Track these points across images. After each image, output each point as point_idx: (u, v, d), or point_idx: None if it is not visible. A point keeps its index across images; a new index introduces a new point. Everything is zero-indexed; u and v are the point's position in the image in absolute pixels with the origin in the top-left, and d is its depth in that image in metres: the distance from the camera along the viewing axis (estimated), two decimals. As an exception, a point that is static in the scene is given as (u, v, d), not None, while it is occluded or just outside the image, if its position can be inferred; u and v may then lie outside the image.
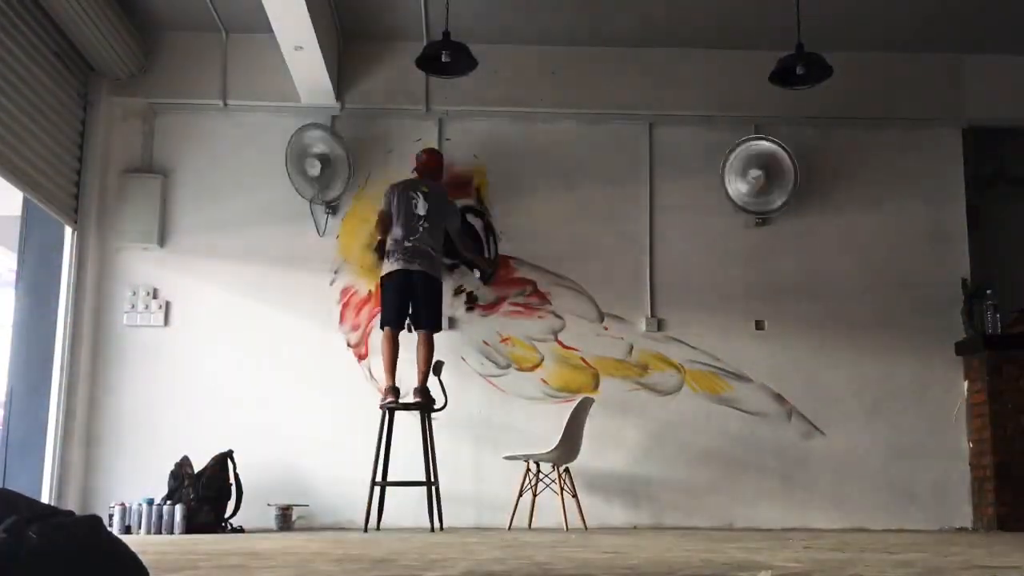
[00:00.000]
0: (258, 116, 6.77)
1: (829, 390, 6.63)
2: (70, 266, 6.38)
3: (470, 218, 6.75)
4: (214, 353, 6.50)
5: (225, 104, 6.67)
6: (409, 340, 5.95)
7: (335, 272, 6.65)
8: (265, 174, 6.67)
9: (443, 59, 5.59)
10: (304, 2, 5.38)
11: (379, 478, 5.77)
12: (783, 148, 6.67)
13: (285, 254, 6.63)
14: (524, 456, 5.98)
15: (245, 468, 5.97)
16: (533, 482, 5.99)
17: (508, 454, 6.04)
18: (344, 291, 6.63)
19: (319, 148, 6.59)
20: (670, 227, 6.79)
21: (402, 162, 6.67)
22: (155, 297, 6.56)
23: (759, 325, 6.70)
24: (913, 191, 6.87)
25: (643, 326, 6.67)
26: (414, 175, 6.34)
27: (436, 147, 6.56)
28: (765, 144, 6.72)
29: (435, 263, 5.99)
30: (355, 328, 6.58)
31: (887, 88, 6.88)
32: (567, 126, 6.88)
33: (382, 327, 5.99)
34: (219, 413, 6.36)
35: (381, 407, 5.85)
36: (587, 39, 6.72)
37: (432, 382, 5.90)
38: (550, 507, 5.94)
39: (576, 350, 6.62)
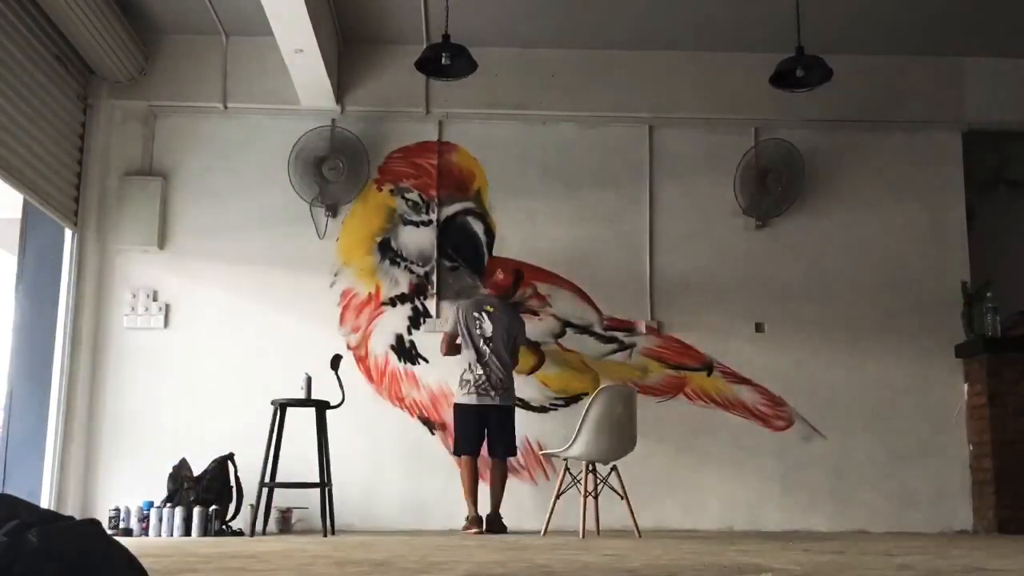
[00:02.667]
0: (258, 119, 6.77)
1: (829, 392, 6.64)
2: (70, 268, 6.39)
3: (470, 221, 6.76)
4: (214, 355, 6.50)
5: (225, 107, 6.67)
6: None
7: (335, 274, 6.65)
8: (265, 177, 6.67)
9: (443, 61, 5.59)
10: (304, 5, 5.38)
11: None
12: (794, 148, 6.71)
13: (285, 256, 6.63)
14: (558, 453, 5.66)
15: (245, 470, 5.96)
16: (559, 483, 5.63)
17: (545, 452, 6.13)
18: (344, 293, 6.63)
19: (332, 151, 6.61)
20: (670, 229, 6.79)
21: (402, 163, 6.67)
22: (155, 299, 6.56)
23: (759, 327, 6.70)
24: (913, 194, 6.88)
25: (643, 328, 6.67)
26: (486, 292, 6.43)
27: (518, 268, 6.56)
28: (777, 146, 6.74)
29: (508, 389, 6.01)
30: (355, 330, 6.58)
31: (887, 91, 6.88)
32: (567, 128, 6.89)
33: (457, 454, 6.06)
34: (219, 415, 6.36)
35: (463, 533, 5.82)
36: (587, 42, 6.72)
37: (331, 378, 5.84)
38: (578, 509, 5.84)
39: (576, 352, 6.62)
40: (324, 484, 5.66)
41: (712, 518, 6.43)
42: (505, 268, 6.46)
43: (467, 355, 6.01)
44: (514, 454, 6.08)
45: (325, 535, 5.49)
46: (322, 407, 5.78)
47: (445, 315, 6.57)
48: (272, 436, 5.63)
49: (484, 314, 6.05)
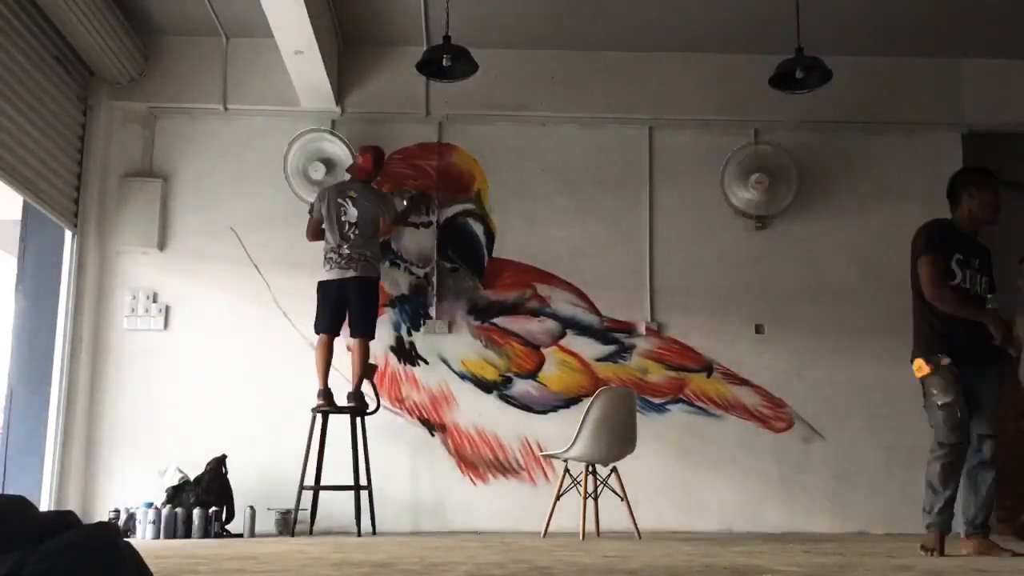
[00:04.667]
0: (258, 120, 6.77)
1: (829, 394, 6.63)
2: (70, 270, 6.38)
3: (470, 222, 6.76)
4: (214, 356, 6.50)
5: (225, 108, 6.67)
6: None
7: (335, 276, 6.64)
8: (265, 178, 6.67)
9: (443, 63, 5.60)
10: (304, 6, 5.38)
11: (312, 481, 5.89)
12: (784, 151, 6.69)
13: (285, 257, 6.63)
14: (558, 454, 5.64)
15: (244, 471, 5.97)
16: (559, 484, 5.64)
17: (544, 453, 6.11)
18: (344, 295, 6.62)
19: (326, 152, 6.61)
20: (670, 231, 6.80)
21: (403, 164, 6.67)
22: (155, 301, 6.56)
23: (759, 329, 6.70)
24: (912, 195, 6.86)
25: (643, 329, 6.67)
26: (348, 177, 6.37)
27: (376, 146, 6.42)
28: (765, 148, 6.74)
29: (371, 265, 6.05)
30: (355, 332, 6.58)
31: (887, 92, 6.88)
32: (567, 130, 6.89)
33: (317, 332, 6.07)
34: (219, 416, 6.36)
35: (313, 411, 5.93)
36: (587, 43, 6.73)
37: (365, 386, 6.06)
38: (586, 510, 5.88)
39: (576, 354, 6.63)
40: (361, 487, 5.85)
41: (712, 519, 6.43)
42: (364, 151, 6.31)
43: (331, 238, 6.02)
44: (371, 336, 6.04)
45: (359, 535, 5.69)
46: (357, 413, 5.99)
47: (444, 317, 6.58)
48: (310, 441, 5.88)
49: (348, 200, 6.06)
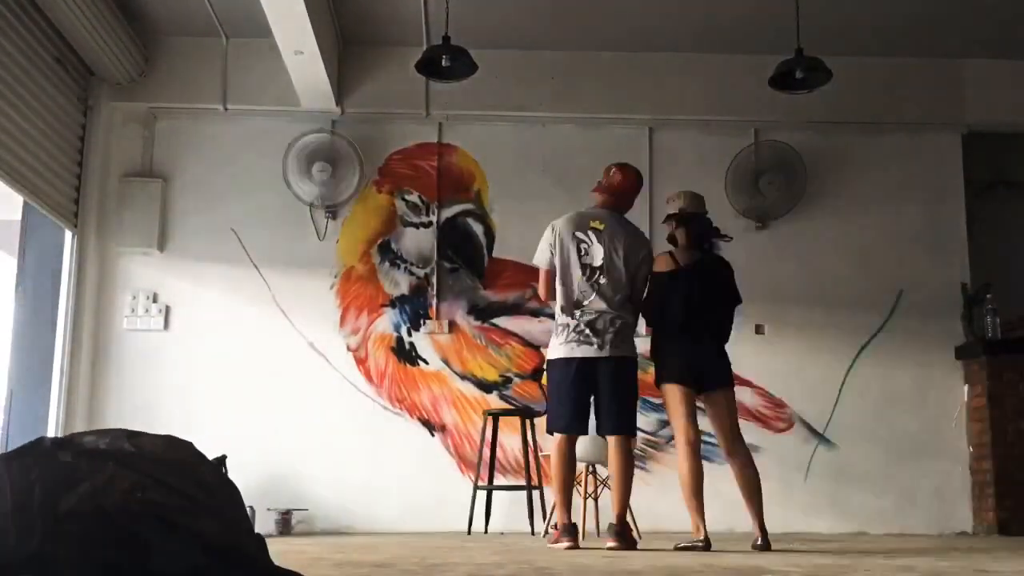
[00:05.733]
0: (258, 121, 6.77)
1: (829, 394, 6.63)
2: (70, 270, 6.38)
3: (470, 222, 6.76)
4: (214, 357, 6.50)
5: (225, 108, 6.67)
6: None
7: (335, 276, 6.65)
8: (265, 178, 6.67)
9: (443, 63, 5.60)
10: (304, 6, 5.38)
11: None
12: (794, 151, 6.73)
13: (285, 258, 6.63)
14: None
15: (244, 471, 5.94)
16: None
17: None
18: (344, 295, 6.63)
19: (325, 152, 6.61)
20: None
21: (403, 165, 6.68)
22: (155, 301, 6.56)
23: (759, 329, 6.70)
24: (913, 196, 6.88)
25: (643, 330, 6.65)
26: (594, 197, 4.71)
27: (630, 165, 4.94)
28: (778, 146, 6.75)
29: (624, 335, 4.44)
30: (355, 332, 6.58)
31: (887, 93, 6.88)
32: (567, 130, 6.89)
33: (550, 432, 4.44)
34: (219, 417, 6.36)
35: (550, 546, 4.34)
36: (587, 43, 6.73)
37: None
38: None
39: (576, 354, 6.61)
40: (532, 487, 5.87)
41: (712, 520, 6.39)
42: (622, 168, 4.76)
43: (563, 294, 4.43)
44: (633, 432, 4.45)
45: (532, 533, 5.74)
46: (527, 415, 6.00)
47: (444, 317, 6.58)
48: (482, 445, 6.01)
49: (591, 233, 4.45)
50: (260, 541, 1.73)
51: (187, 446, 1.69)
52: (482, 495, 5.97)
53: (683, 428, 4.39)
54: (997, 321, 6.53)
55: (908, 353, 6.69)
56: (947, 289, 6.71)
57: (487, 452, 6.01)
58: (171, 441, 1.68)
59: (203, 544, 1.51)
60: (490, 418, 5.98)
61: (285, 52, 5.94)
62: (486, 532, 5.86)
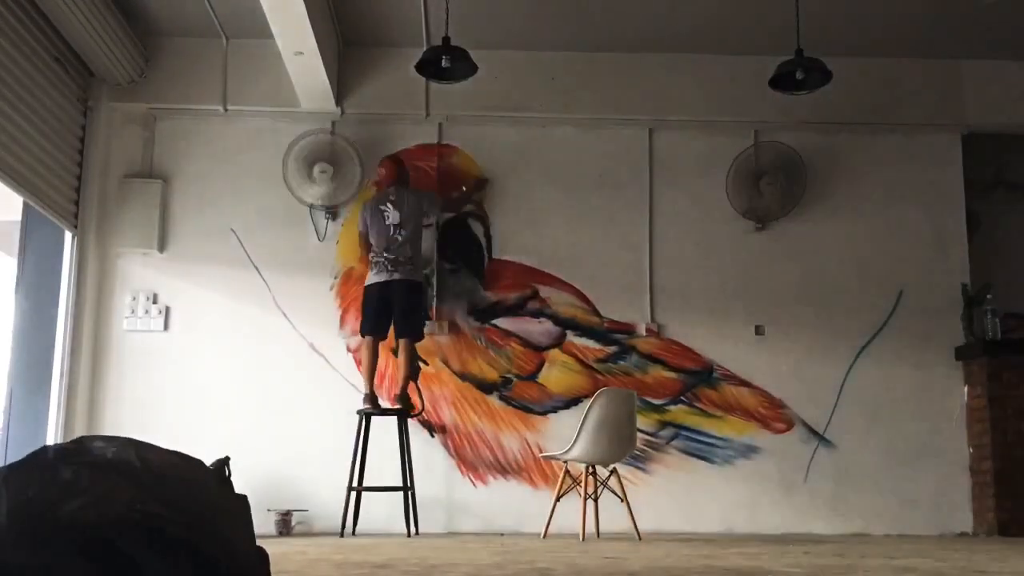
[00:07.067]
0: (258, 121, 6.77)
1: (829, 395, 6.63)
2: (70, 271, 6.38)
3: (470, 223, 6.76)
4: (214, 358, 6.50)
5: (225, 109, 6.67)
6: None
7: (335, 277, 6.65)
8: (265, 179, 6.67)
9: (443, 64, 5.59)
10: (304, 7, 5.38)
11: (355, 483, 5.92)
12: (792, 151, 6.73)
13: (285, 259, 6.64)
14: (558, 456, 5.63)
15: (244, 472, 5.95)
16: (559, 486, 5.65)
17: (545, 454, 6.10)
18: (344, 296, 6.63)
19: (325, 152, 6.62)
20: (670, 232, 6.80)
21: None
22: (155, 302, 6.56)
23: (759, 330, 6.70)
24: (913, 196, 6.88)
25: (643, 330, 6.67)
26: (373, 188, 6.49)
27: (392, 155, 6.55)
28: (779, 148, 6.75)
29: (415, 268, 6.11)
30: (355, 333, 6.57)
31: (886, 93, 6.88)
32: (567, 131, 6.89)
33: (362, 335, 6.14)
34: (219, 418, 6.36)
35: (358, 412, 6.00)
36: (587, 44, 6.73)
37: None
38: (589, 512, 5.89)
39: (576, 355, 6.62)
40: (407, 488, 5.92)
41: (712, 521, 6.42)
42: (382, 163, 6.41)
43: (376, 245, 6.10)
44: (418, 337, 6.14)
45: (409, 535, 5.79)
46: (403, 415, 6.06)
47: (444, 318, 6.58)
48: (358, 443, 5.94)
49: (388, 204, 6.15)
50: (263, 556, 1.71)
51: (196, 463, 1.68)
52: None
53: None
54: (997, 322, 6.54)
55: (908, 354, 6.69)
56: (947, 289, 6.72)
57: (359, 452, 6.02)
58: (179, 457, 1.66)
59: (198, 563, 1.50)
60: (363, 418, 6.03)
61: (285, 53, 5.94)
62: (354, 534, 5.86)
